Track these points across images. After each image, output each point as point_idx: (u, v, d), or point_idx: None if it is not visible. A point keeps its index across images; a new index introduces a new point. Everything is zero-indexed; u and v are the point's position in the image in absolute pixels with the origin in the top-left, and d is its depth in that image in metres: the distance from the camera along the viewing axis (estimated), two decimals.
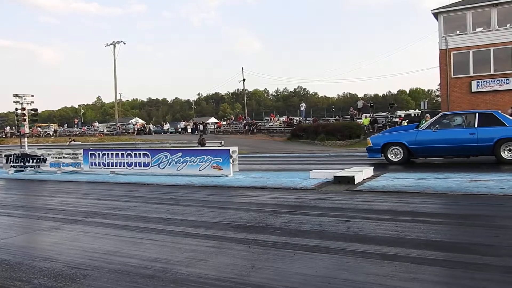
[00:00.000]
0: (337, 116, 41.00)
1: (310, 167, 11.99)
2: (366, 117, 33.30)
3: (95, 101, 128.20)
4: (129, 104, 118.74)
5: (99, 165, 13.14)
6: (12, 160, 14.86)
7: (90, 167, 13.31)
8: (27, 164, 14.53)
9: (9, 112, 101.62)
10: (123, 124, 53.20)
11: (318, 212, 6.11)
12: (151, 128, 48.29)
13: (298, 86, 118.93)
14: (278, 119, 40.86)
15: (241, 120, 43.96)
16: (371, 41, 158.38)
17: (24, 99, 16.20)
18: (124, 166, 12.65)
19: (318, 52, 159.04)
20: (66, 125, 61.32)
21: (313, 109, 50.45)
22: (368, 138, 13.07)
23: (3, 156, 15.08)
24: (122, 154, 12.77)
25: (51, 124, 65.99)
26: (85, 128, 52.60)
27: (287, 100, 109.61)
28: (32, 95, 16.47)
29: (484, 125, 10.89)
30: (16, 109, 16.54)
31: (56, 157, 14.02)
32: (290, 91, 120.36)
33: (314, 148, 25.52)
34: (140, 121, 70.74)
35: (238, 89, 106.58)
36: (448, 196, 6.98)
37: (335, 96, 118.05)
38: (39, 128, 48.76)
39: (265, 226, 5.41)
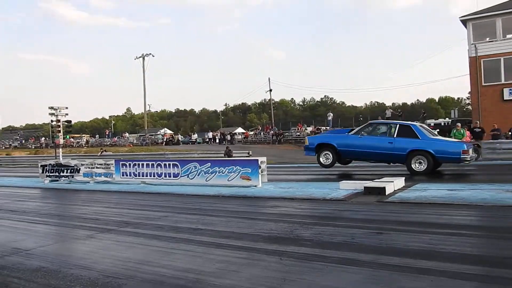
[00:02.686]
0: None
1: (339, 178, 11.85)
2: None
3: (125, 112, 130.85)
4: (158, 115, 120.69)
5: (130, 175, 13.39)
6: (47, 170, 15.33)
7: (122, 177, 13.57)
8: (61, 174, 14.95)
9: (44, 123, 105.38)
10: (152, 135, 54.08)
11: (349, 224, 6.03)
12: (180, 139, 48.87)
13: (325, 96, 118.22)
14: (305, 129, 40.71)
15: (268, 130, 44.01)
16: (398, 49, 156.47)
17: (59, 111, 16.77)
18: (154, 176, 12.84)
19: (344, 61, 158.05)
20: (98, 135, 62.87)
21: (340, 119, 50.01)
22: (306, 137, 14.17)
23: (39, 166, 15.56)
24: (152, 165, 12.97)
25: (83, 135, 67.84)
26: (116, 138, 53.79)
27: (314, 109, 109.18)
28: (66, 107, 17.05)
29: (401, 135, 11.80)
30: (52, 121, 17.11)
31: (89, 167, 14.37)
32: (317, 101, 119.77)
33: None
34: (169, 131, 71.71)
35: (264, 99, 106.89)
36: (482, 208, 6.77)
37: (362, 105, 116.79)
38: (72, 139, 50.14)
39: (295, 237, 5.37)
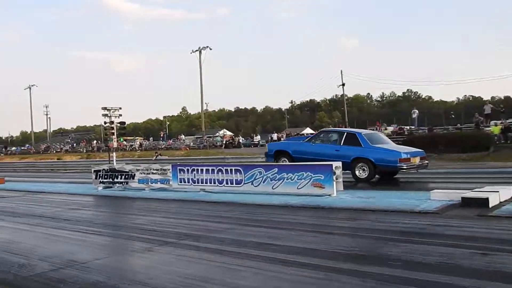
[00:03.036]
0: (458, 124, 38.71)
1: (428, 186, 11.42)
2: (496, 125, 30.98)
3: (181, 112, 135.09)
4: (216, 115, 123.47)
5: (188, 182, 13.74)
6: (101, 175, 16.14)
7: (179, 183, 13.96)
8: (115, 180, 15.68)
9: (95, 125, 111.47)
10: (210, 137, 55.40)
11: (445, 242, 5.75)
12: (240, 141, 49.59)
13: (408, 90, 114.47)
14: (385, 129, 39.67)
15: None
16: (496, 34, 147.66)
17: (112, 112, 17.57)
18: (214, 183, 13.08)
19: (431, 48, 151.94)
20: (152, 138, 65.35)
21: (427, 116, 48.13)
22: (266, 144, 16.00)
23: (92, 171, 16.44)
24: (213, 170, 13.22)
25: (137, 138, 70.86)
26: (171, 141, 55.59)
27: (394, 106, 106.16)
28: (120, 108, 17.82)
29: (347, 143, 13.53)
30: (105, 123, 17.98)
31: (144, 173, 14.94)
32: (398, 96, 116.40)
33: (430, 163, 24.34)
34: (228, 133, 73.07)
35: (336, 95, 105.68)
36: None
37: (454, 100, 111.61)
38: (125, 142, 52.54)
39: (380, 256, 5.22)
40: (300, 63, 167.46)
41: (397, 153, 13.05)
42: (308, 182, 11.11)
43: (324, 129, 17.17)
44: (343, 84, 57.28)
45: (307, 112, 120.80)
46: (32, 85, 78.66)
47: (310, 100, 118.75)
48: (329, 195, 10.69)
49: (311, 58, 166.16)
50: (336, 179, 10.91)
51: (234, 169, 12.82)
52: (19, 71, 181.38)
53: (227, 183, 12.86)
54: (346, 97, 68.78)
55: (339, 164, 11.26)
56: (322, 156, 13.20)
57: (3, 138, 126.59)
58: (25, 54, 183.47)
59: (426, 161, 13.98)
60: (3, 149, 74.98)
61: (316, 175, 11.02)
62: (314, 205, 9.68)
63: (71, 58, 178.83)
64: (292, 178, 11.41)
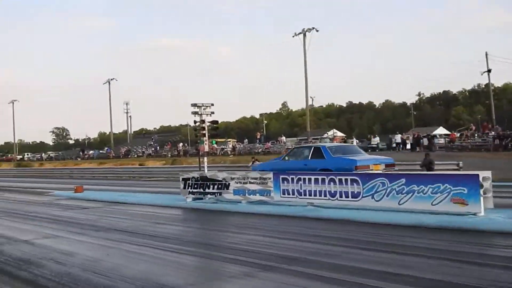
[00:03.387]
0: None
1: None
2: None
3: (280, 109, 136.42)
4: (324, 111, 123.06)
5: (293, 194, 13.76)
6: (190, 185, 16.67)
7: (282, 195, 14.03)
8: (207, 190, 16.12)
9: (180, 125, 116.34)
10: (317, 138, 55.29)
11: None
12: (354, 143, 49.04)
13: None
14: None
15: (486, 131, 41.34)
16: None
17: (204, 109, 18.00)
18: (325, 195, 12.98)
19: None
20: (247, 140, 66.67)
21: None
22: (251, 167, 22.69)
23: (180, 179, 17.06)
24: (323, 180, 13.12)
25: (229, 140, 72.70)
26: (269, 144, 56.28)
27: None
28: (212, 104, 18.23)
29: (314, 157, 17.37)
30: (194, 122, 18.46)
31: (240, 182, 15.20)
32: None
33: None
34: (339, 133, 72.60)
35: (479, 85, 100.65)
36: None
37: None
38: (215, 145, 54.09)
39: None
40: (431, 45, 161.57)
41: (353, 161, 16.46)
42: (446, 196, 10.65)
43: (296, 146, 23.29)
44: (489, 71, 54.54)
45: (440, 107, 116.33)
46: (111, 79, 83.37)
47: (444, 91, 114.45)
48: (475, 214, 10.19)
49: (446, 38, 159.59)
50: (484, 193, 10.35)
51: (350, 179, 12.63)
52: (97, 64, 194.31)
53: (340, 196, 12.72)
54: (492, 87, 65.30)
55: (488, 174, 10.67)
56: (296, 170, 15.79)
57: (80, 140, 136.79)
58: (103, 44, 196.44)
59: (395, 169, 17.28)
60: (81, 153, 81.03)
61: (457, 188, 10.53)
62: (455, 226, 9.38)
63: (153, 48, 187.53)
64: (425, 191, 11.01)
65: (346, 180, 12.70)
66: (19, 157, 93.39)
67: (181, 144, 65.29)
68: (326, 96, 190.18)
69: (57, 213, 15.32)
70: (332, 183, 12.94)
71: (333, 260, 7.12)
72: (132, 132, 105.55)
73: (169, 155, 58.50)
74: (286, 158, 18.83)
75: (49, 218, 14.04)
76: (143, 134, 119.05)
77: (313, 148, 18.34)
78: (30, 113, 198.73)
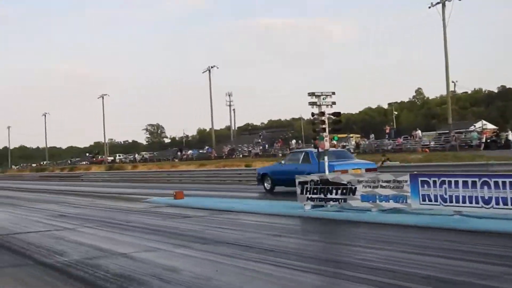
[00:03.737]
0: None
1: None
2: None
3: (414, 97, 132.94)
4: (469, 99, 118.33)
5: (436, 200, 13.46)
6: (308, 190, 16.82)
7: (422, 202, 13.79)
8: (328, 196, 16.17)
9: (292, 119, 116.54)
10: (461, 132, 53.67)
11: None
12: (510, 138, 46.84)
13: None
14: None
15: None
16: None
17: (323, 99, 18.03)
18: (476, 203, 12.60)
19: None
20: (373, 135, 65.87)
21: None
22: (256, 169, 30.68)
23: (297, 183, 17.27)
24: (474, 184, 12.70)
25: (351, 135, 72.05)
26: (401, 139, 55.20)
27: None
28: (333, 93, 18.23)
29: (304, 162, 23.13)
30: (312, 114, 18.56)
31: (369, 186, 15.10)
32: None
33: None
34: (490, 125, 69.82)
35: None
36: None
37: None
38: (336, 141, 53.80)
39: None
40: None
41: (331, 166, 19.81)
42: None
43: (293, 150, 29.65)
44: None
45: None
46: (211, 67, 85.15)
47: None
48: None
49: None
50: None
51: (509, 181, 12.22)
52: (194, 51, 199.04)
53: (496, 204, 12.34)
54: None
55: None
56: (288, 174, 21.16)
57: (177, 138, 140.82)
58: (201, 27, 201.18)
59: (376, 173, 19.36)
60: (178, 153, 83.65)
61: None
62: None
63: (258, 29, 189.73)
64: None
65: (503, 183, 12.29)
66: (110, 158, 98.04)
67: (294, 141, 65.80)
68: (472, 80, 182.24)
69: (156, 223, 16.23)
70: (486, 187, 12.56)
71: (494, 283, 7.04)
72: (236, 128, 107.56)
73: (280, 154, 58.81)
74: (283, 162, 25.47)
75: (148, 228, 14.81)
76: (249, 130, 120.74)
77: (303, 152, 24.65)
78: (121, 110, 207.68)
